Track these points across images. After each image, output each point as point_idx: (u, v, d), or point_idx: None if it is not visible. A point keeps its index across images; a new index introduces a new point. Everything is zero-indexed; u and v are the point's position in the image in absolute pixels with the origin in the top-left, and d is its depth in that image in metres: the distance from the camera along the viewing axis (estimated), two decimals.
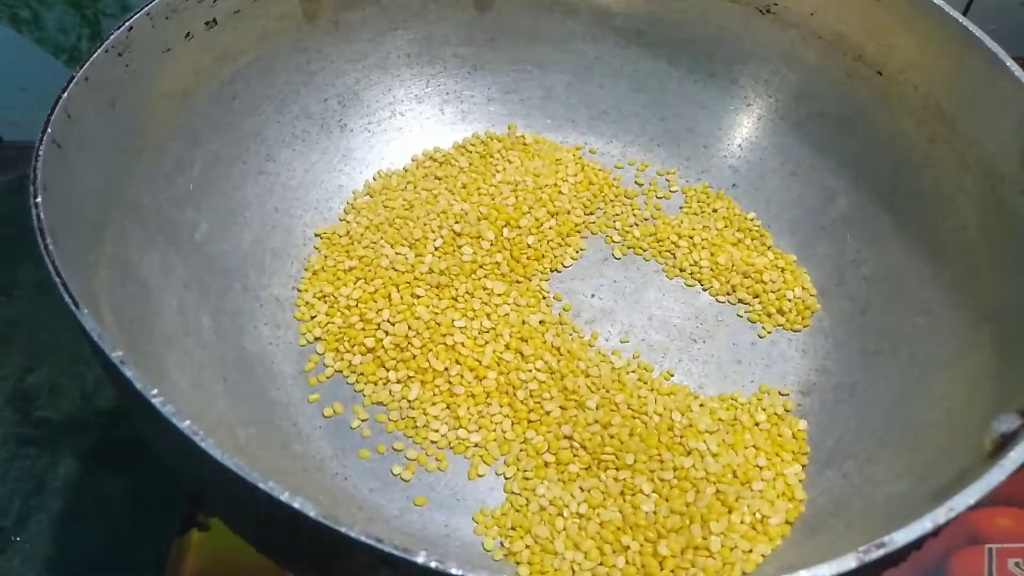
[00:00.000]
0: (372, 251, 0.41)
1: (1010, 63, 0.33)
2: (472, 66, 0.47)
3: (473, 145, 0.47)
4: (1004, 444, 0.25)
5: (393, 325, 0.39)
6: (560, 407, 0.36)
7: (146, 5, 0.34)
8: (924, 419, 0.33)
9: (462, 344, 0.38)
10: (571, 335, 0.40)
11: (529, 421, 0.36)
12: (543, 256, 0.42)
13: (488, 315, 0.39)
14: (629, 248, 0.43)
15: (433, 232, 0.42)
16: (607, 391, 0.37)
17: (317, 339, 0.39)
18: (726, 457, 0.35)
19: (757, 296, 0.41)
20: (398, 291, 0.40)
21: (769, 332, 0.40)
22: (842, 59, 0.41)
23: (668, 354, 0.39)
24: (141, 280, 0.33)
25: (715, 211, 0.44)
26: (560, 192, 0.45)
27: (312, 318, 0.39)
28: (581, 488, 0.34)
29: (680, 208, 0.45)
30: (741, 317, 0.41)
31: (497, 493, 0.35)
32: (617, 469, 0.34)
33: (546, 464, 0.35)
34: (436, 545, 0.33)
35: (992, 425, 0.26)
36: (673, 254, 0.43)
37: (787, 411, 0.37)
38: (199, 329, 0.35)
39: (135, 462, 0.43)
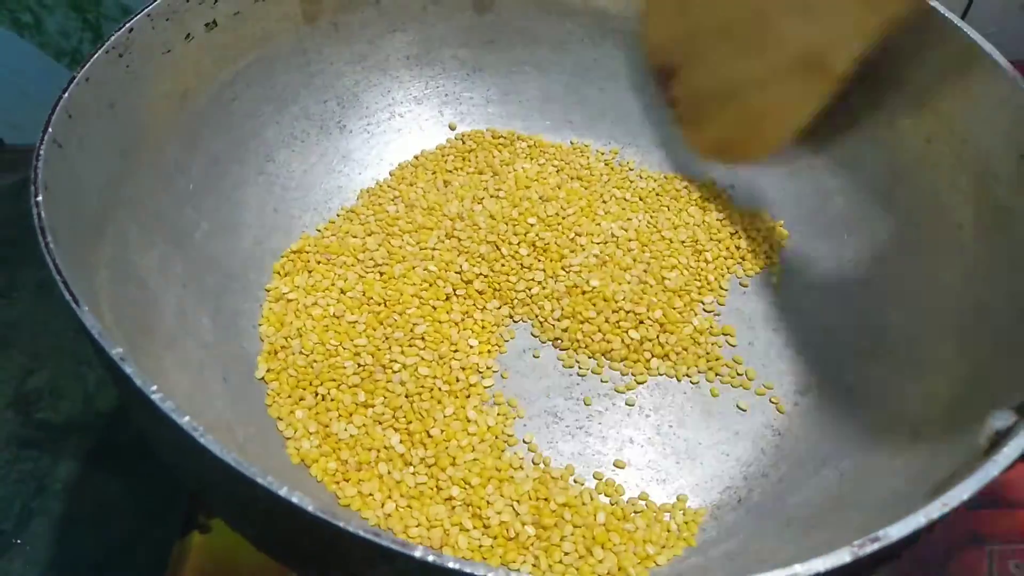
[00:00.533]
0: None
1: (1005, 64, 0.34)
2: (471, 68, 0.47)
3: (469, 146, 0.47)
4: (999, 441, 0.25)
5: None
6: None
7: (146, 6, 0.34)
8: (920, 417, 0.33)
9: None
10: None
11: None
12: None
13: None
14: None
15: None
16: None
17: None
18: None
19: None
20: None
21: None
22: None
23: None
24: (141, 280, 0.33)
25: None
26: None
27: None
28: None
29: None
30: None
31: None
32: None
33: None
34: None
35: (987, 422, 0.26)
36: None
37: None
38: (199, 329, 0.36)
39: (137, 464, 0.43)
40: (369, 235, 0.42)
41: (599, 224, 0.43)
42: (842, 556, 0.21)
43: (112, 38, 0.33)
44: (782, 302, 0.42)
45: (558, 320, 0.40)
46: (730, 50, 0.41)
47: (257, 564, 0.36)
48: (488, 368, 0.38)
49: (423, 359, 0.37)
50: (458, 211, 0.43)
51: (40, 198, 0.27)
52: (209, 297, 0.37)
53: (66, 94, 0.30)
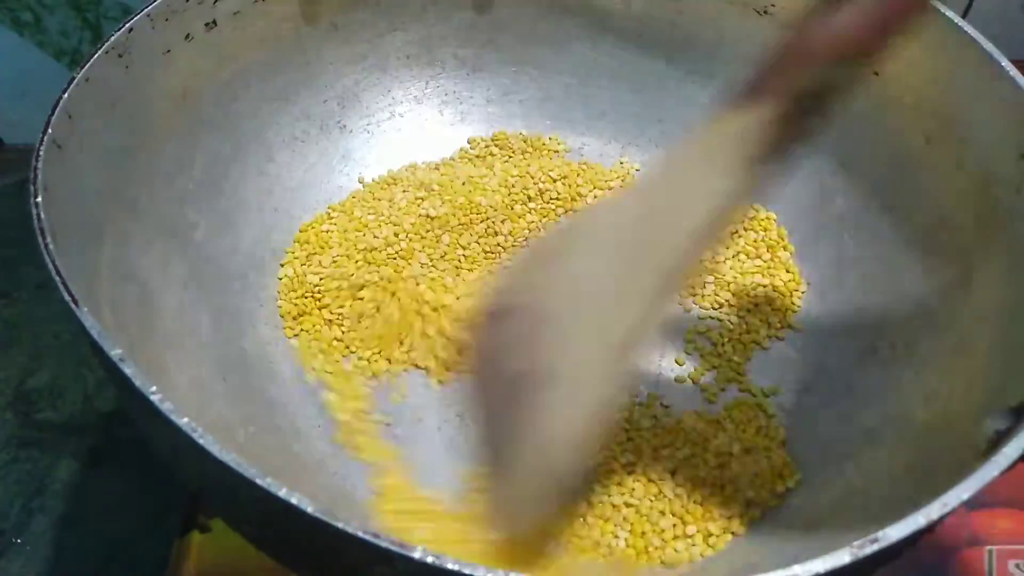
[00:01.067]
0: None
1: (1006, 63, 0.34)
2: (471, 67, 0.47)
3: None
4: (998, 442, 0.25)
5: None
6: None
7: (146, 6, 0.34)
8: (920, 418, 0.33)
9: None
10: None
11: None
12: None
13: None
14: None
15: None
16: None
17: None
18: None
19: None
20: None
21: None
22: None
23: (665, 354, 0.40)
24: (141, 280, 0.33)
25: None
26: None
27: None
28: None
29: None
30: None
31: None
32: None
33: None
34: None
35: (986, 423, 0.26)
36: None
37: None
38: (199, 329, 0.36)
39: (136, 464, 0.43)
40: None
41: None
42: (842, 556, 0.21)
43: (112, 38, 0.33)
44: None
45: None
46: None
47: (257, 564, 0.35)
48: None
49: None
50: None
51: (40, 199, 0.27)
52: (209, 297, 0.37)
53: (66, 94, 0.30)
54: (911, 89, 0.38)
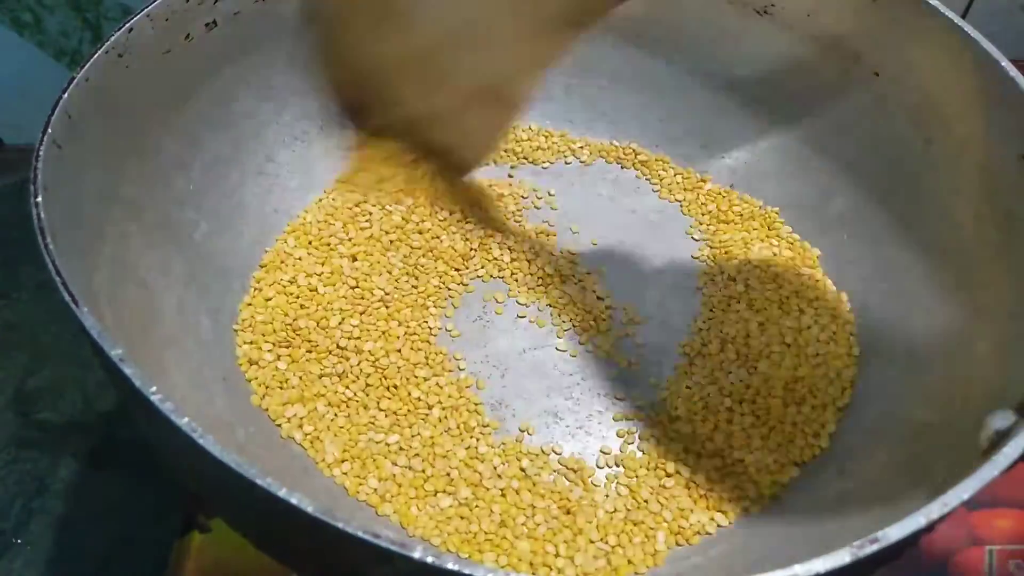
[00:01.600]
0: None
1: (1006, 63, 0.34)
2: None
3: None
4: (999, 441, 0.25)
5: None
6: None
7: (146, 6, 0.34)
8: (920, 417, 0.33)
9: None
10: None
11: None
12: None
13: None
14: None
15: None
16: None
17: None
18: None
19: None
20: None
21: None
22: (839, 60, 0.41)
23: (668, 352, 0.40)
24: (141, 280, 0.33)
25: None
26: None
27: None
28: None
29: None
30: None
31: None
32: None
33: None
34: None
35: (987, 422, 0.26)
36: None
37: None
38: (199, 329, 0.36)
39: (136, 464, 0.43)
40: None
41: None
42: (842, 556, 0.21)
43: (112, 38, 0.33)
44: None
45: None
46: (413, 87, 0.40)
47: (257, 564, 0.36)
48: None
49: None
50: None
51: (40, 199, 0.27)
52: (209, 297, 0.37)
53: (66, 94, 0.30)
54: (911, 89, 0.38)
